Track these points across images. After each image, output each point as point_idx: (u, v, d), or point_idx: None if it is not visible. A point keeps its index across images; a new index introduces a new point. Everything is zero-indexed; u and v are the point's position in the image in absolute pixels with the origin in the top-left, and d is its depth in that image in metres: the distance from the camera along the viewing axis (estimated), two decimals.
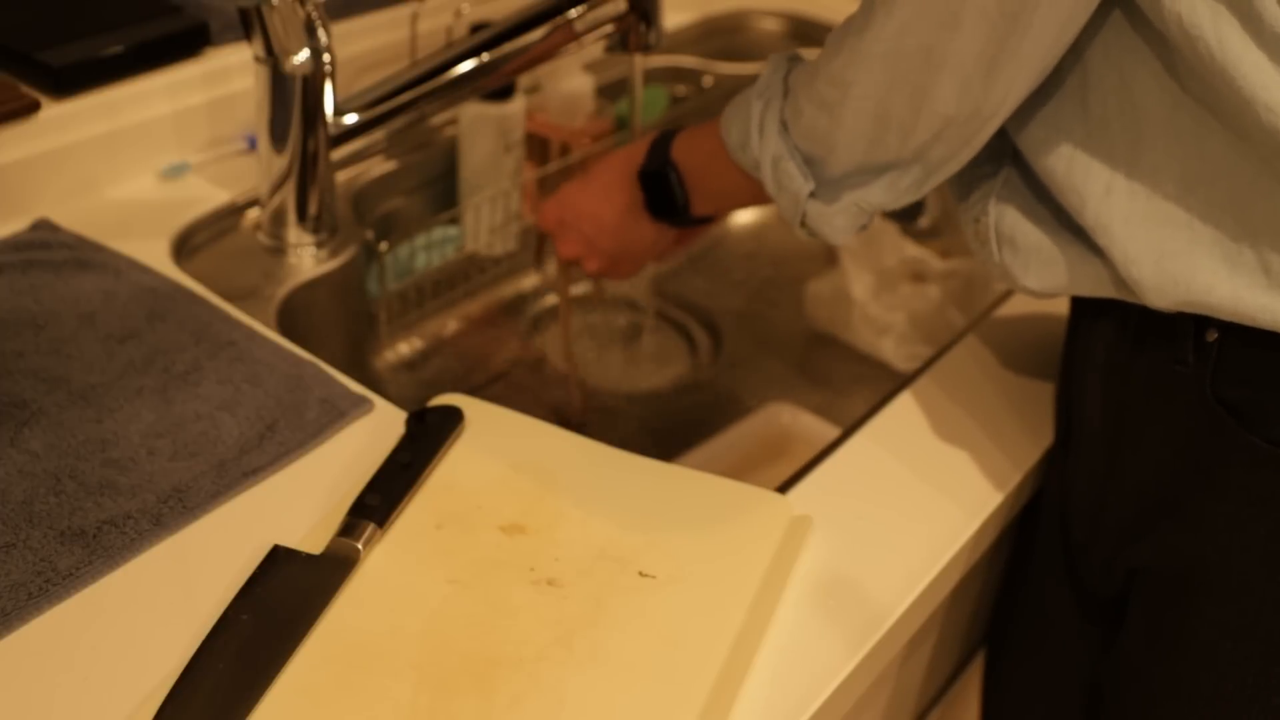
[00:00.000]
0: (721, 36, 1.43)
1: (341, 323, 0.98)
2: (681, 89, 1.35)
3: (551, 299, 1.18)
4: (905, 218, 1.23)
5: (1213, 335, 0.63)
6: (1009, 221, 0.69)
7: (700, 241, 0.97)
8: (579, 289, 1.15)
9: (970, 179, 0.71)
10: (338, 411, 0.75)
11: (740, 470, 1.03)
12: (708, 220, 0.88)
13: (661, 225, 0.87)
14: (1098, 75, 0.63)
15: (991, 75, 0.61)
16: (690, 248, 0.94)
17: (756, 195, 0.77)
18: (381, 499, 0.66)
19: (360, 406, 0.75)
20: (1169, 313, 0.64)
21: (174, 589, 0.63)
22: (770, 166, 0.73)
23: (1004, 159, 0.70)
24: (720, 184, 0.81)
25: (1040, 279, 0.68)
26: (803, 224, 0.74)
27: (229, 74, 1.01)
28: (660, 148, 0.84)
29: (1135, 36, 0.61)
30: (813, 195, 0.72)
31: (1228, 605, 0.66)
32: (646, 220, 0.87)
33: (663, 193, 0.84)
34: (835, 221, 0.73)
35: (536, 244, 1.07)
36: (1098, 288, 0.66)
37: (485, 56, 0.96)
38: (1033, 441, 0.79)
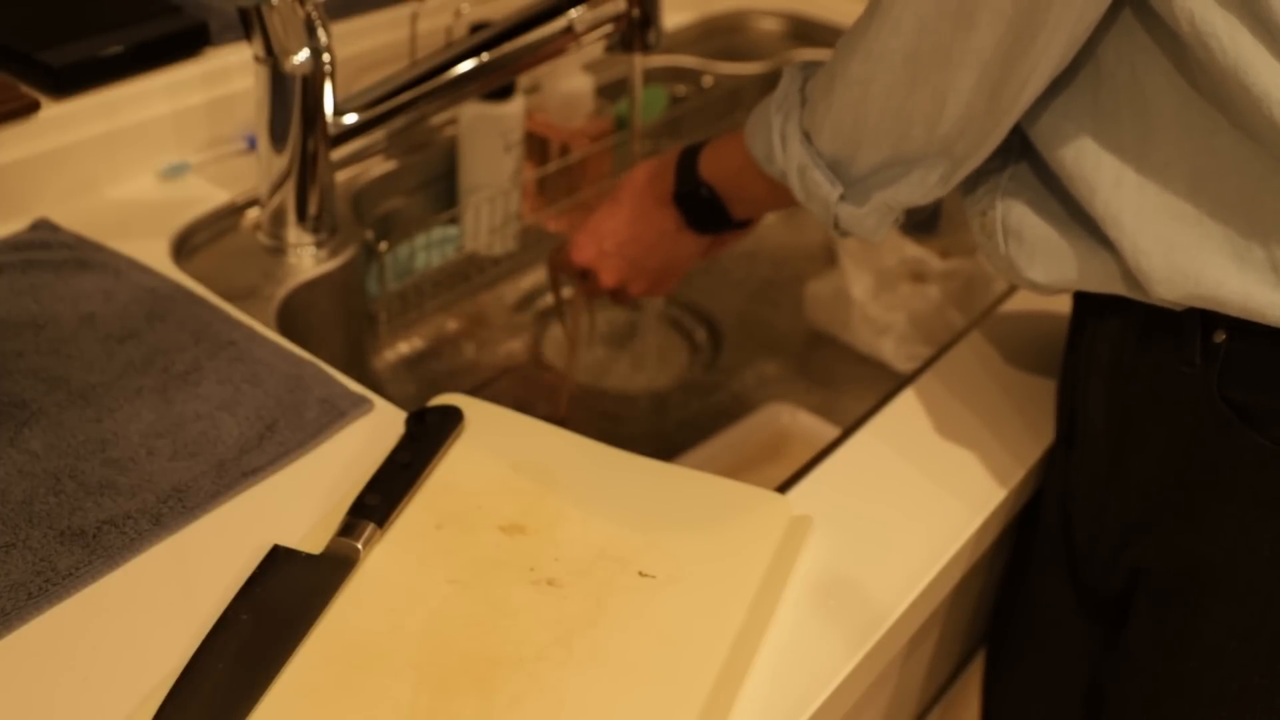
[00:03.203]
0: (721, 36, 1.43)
1: (341, 323, 0.98)
2: (681, 89, 1.35)
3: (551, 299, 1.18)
4: (924, 231, 1.22)
5: (1220, 336, 0.63)
6: (1016, 215, 0.69)
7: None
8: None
9: (977, 173, 0.71)
10: (337, 411, 0.74)
11: (740, 470, 1.03)
12: (749, 223, 0.89)
13: (705, 237, 0.89)
14: (1110, 70, 0.63)
15: (1009, 71, 0.61)
16: (730, 249, 0.96)
17: (791, 199, 0.78)
18: (381, 499, 0.66)
19: (360, 406, 0.75)
20: (1176, 310, 0.64)
21: (174, 589, 0.63)
22: (797, 175, 0.75)
23: (1011, 154, 0.70)
24: (754, 194, 0.83)
25: (1046, 272, 0.68)
26: (836, 226, 0.75)
27: (229, 74, 1.01)
28: (688, 167, 0.85)
29: (1146, 34, 0.61)
30: (842, 199, 0.73)
31: (1234, 606, 0.66)
32: (690, 235, 0.89)
33: (703, 210, 0.86)
34: (867, 222, 0.74)
35: (554, 285, 1.03)
36: (1105, 283, 0.66)
37: (485, 56, 0.96)
38: (1034, 439, 0.79)
